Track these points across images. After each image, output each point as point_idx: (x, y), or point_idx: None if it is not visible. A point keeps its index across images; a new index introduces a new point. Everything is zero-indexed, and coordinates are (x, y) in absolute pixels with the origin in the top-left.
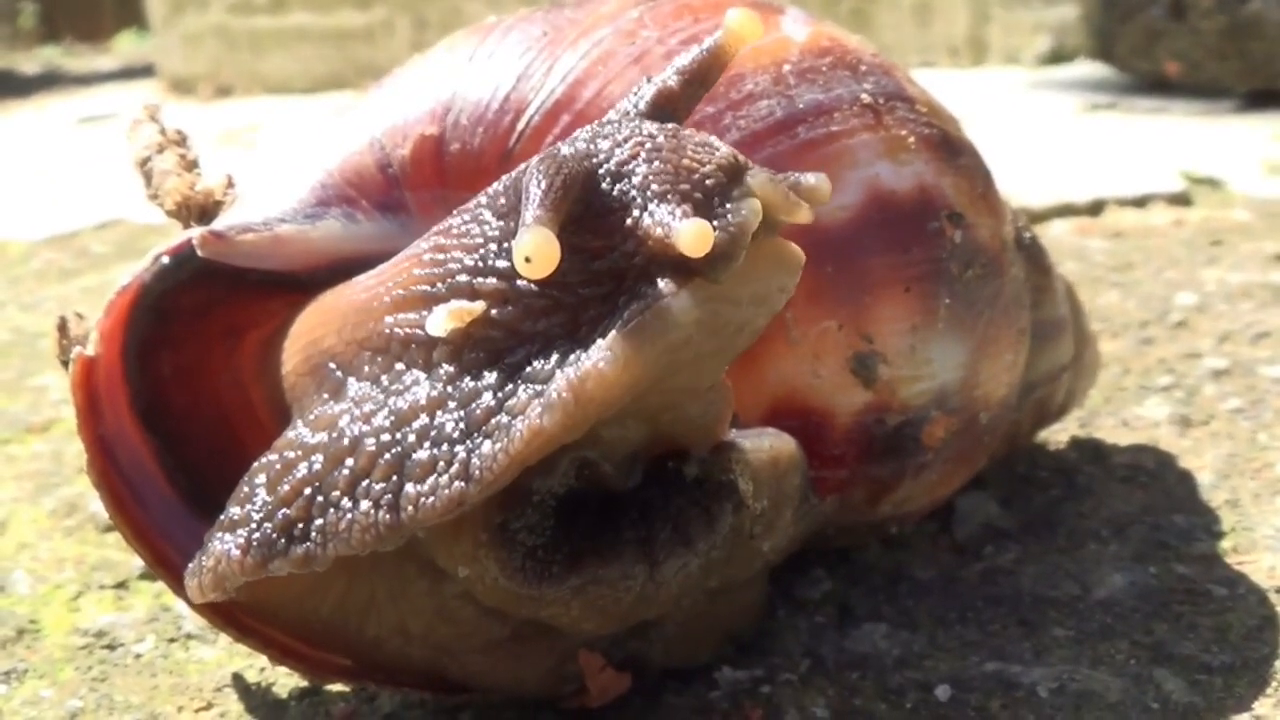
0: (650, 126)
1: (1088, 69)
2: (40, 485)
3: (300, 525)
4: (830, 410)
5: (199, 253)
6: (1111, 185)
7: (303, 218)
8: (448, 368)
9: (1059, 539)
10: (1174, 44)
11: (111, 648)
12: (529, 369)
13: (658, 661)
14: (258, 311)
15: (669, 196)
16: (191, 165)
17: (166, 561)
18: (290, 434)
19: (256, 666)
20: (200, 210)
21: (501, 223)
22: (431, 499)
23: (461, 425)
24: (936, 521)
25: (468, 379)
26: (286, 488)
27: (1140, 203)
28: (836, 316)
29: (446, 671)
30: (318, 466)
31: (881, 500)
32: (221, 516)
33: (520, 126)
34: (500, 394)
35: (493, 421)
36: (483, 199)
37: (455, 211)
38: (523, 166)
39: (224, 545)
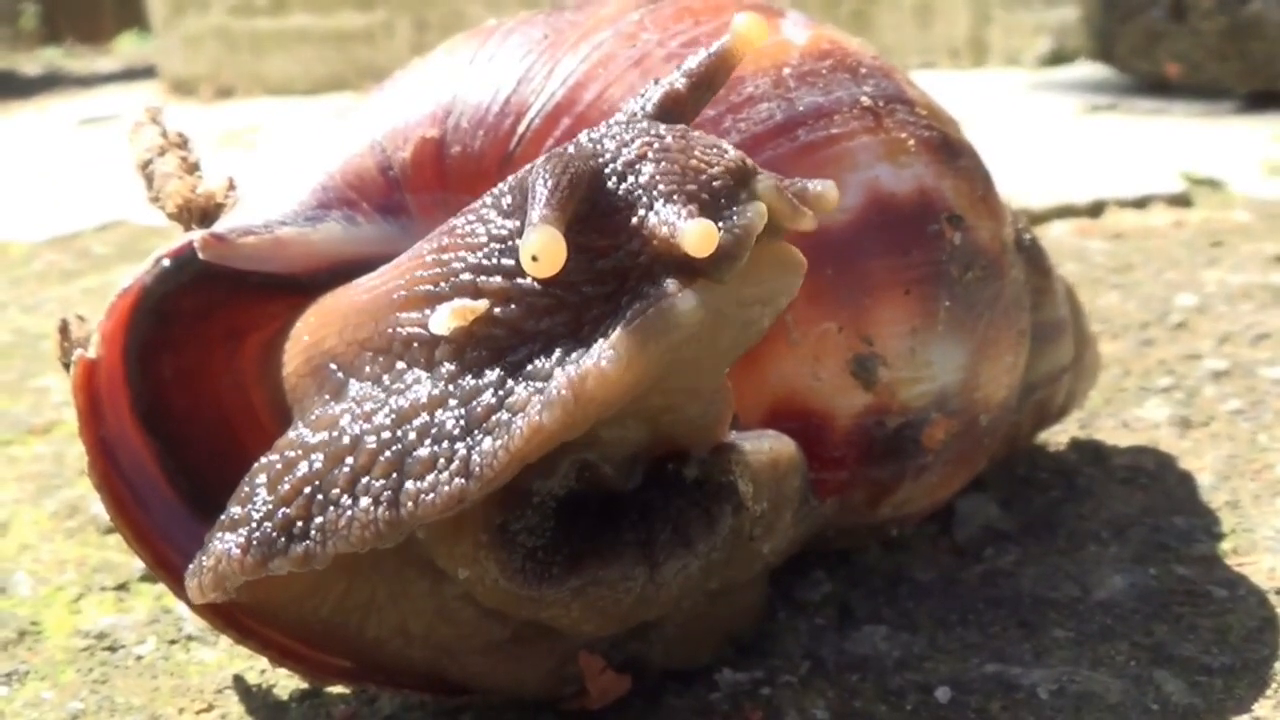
0: (658, 127)
1: (1088, 70)
2: (42, 487)
3: (300, 523)
4: (830, 412)
5: (200, 255)
6: (1112, 186)
7: (304, 220)
8: (449, 366)
9: (1059, 541)
10: (1174, 45)
11: (113, 649)
12: (530, 367)
13: (658, 663)
14: (259, 314)
15: (675, 196)
16: (193, 168)
17: (167, 563)
18: (291, 434)
19: (257, 668)
20: (201, 213)
21: (506, 221)
22: (431, 495)
23: (462, 423)
24: (937, 523)
25: (469, 377)
26: (287, 487)
27: (1140, 204)
28: (837, 319)
29: (447, 673)
30: (318, 465)
31: (881, 502)
32: (222, 516)
33: (521, 129)
34: (501, 391)
35: (493, 419)
36: (487, 199)
37: (460, 213)
38: (528, 166)
39: (224, 545)
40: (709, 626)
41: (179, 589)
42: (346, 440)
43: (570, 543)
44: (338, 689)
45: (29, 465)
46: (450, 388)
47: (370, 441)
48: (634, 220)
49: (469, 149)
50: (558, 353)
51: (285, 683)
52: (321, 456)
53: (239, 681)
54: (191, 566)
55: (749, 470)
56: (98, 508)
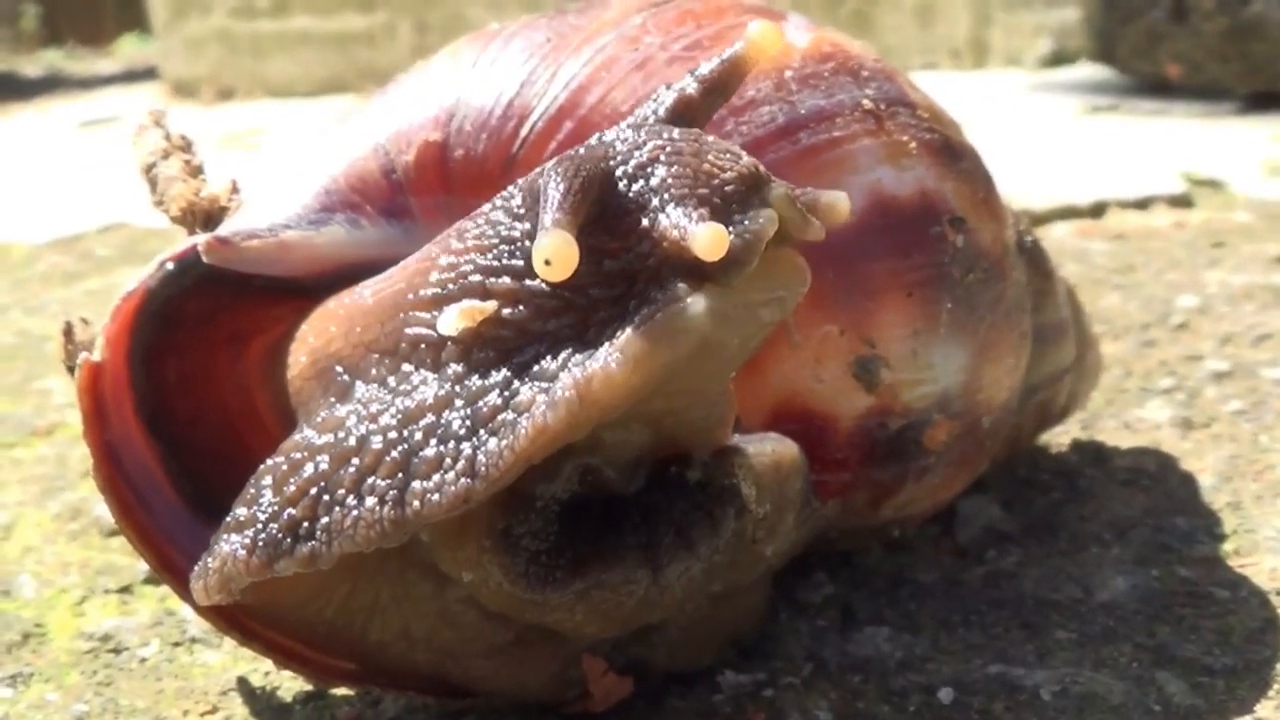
0: (671, 131)
1: (1089, 71)
2: (45, 489)
3: (306, 524)
4: (832, 414)
5: (204, 259)
6: (1113, 187)
7: (307, 224)
8: (456, 367)
9: (1061, 542)
10: (1175, 46)
11: (116, 652)
12: (537, 368)
13: (661, 666)
14: (262, 317)
15: (687, 200)
16: (196, 171)
17: (171, 566)
18: (296, 436)
19: (261, 670)
20: (205, 216)
21: (517, 223)
22: (437, 495)
23: (468, 423)
24: (939, 525)
25: (476, 378)
26: (292, 488)
27: (1142, 205)
28: (838, 321)
29: (450, 676)
30: (324, 466)
31: (883, 504)
32: (227, 518)
33: (524, 133)
34: (507, 392)
35: (499, 419)
36: (497, 201)
37: (468, 217)
38: (539, 169)
39: (230, 546)
40: (711, 629)
41: (183, 591)
42: (352, 441)
43: (573, 546)
44: (342, 691)
45: (32, 468)
46: (457, 388)
47: (376, 442)
48: (644, 222)
49: (472, 152)
50: (564, 354)
51: (289, 685)
52: (327, 458)
53: (243, 684)
54: (197, 568)
55: (752, 473)
56: (101, 510)
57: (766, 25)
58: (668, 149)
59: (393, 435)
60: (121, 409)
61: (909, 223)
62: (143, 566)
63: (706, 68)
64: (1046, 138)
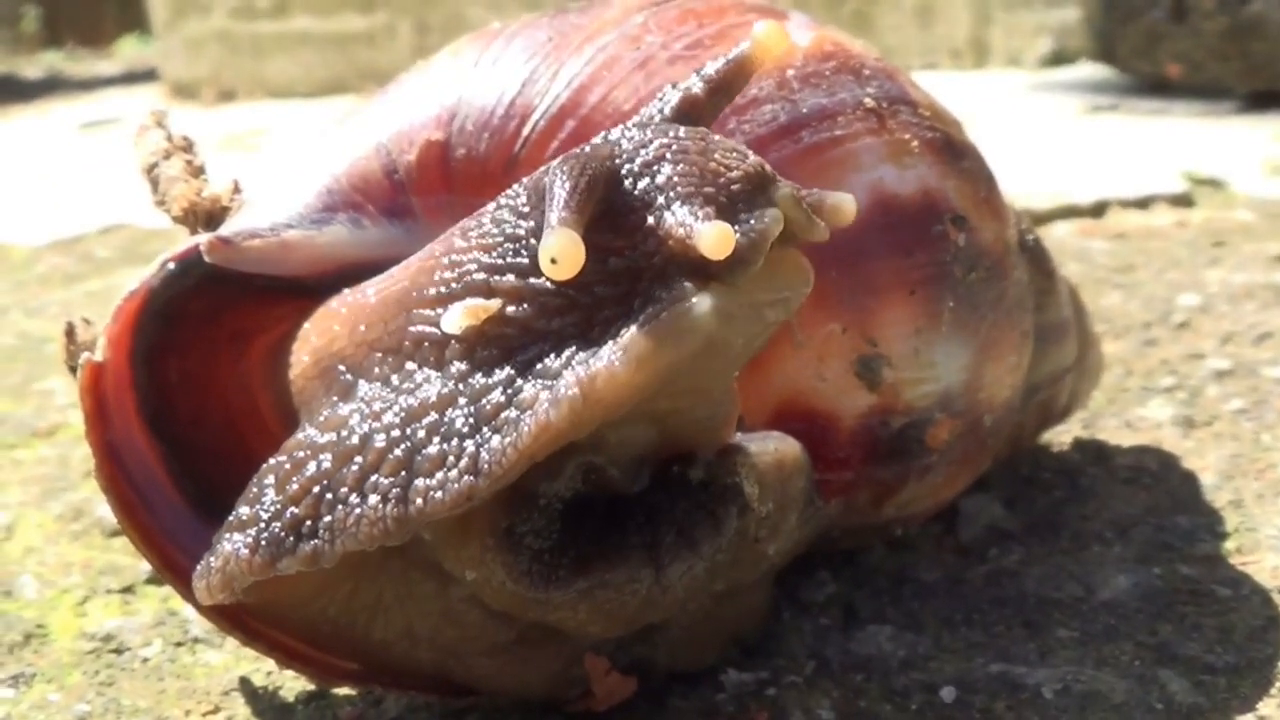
0: (677, 130)
1: (1089, 71)
2: (47, 490)
3: (309, 523)
4: (835, 413)
5: (206, 259)
6: (1114, 187)
7: (309, 223)
8: (460, 365)
9: (1063, 540)
10: (1175, 45)
11: (119, 652)
12: (540, 366)
13: (663, 665)
14: (264, 317)
15: (693, 198)
16: (198, 171)
17: (174, 566)
18: (299, 435)
19: (263, 670)
20: (207, 216)
21: (521, 221)
22: (440, 493)
23: (471, 420)
24: (941, 523)
25: (479, 375)
26: (295, 486)
27: (1143, 204)
28: (841, 320)
29: (453, 674)
30: (326, 465)
31: (886, 502)
32: (230, 517)
33: (525, 132)
34: (510, 390)
35: (502, 416)
36: (501, 200)
37: (471, 216)
38: (544, 168)
39: (233, 545)
40: (714, 628)
41: (186, 591)
42: (355, 439)
43: (576, 545)
44: (344, 690)
45: (34, 468)
46: (460, 386)
47: (379, 440)
48: (650, 220)
49: (474, 152)
50: (568, 352)
51: (292, 684)
52: (330, 456)
53: (245, 683)
54: (199, 568)
55: (754, 472)
56: (103, 510)
57: (772, 26)
58: (674, 147)
59: (396, 433)
60: (123, 409)
61: (911, 221)
62: (145, 566)
63: (712, 67)
64: (1047, 137)
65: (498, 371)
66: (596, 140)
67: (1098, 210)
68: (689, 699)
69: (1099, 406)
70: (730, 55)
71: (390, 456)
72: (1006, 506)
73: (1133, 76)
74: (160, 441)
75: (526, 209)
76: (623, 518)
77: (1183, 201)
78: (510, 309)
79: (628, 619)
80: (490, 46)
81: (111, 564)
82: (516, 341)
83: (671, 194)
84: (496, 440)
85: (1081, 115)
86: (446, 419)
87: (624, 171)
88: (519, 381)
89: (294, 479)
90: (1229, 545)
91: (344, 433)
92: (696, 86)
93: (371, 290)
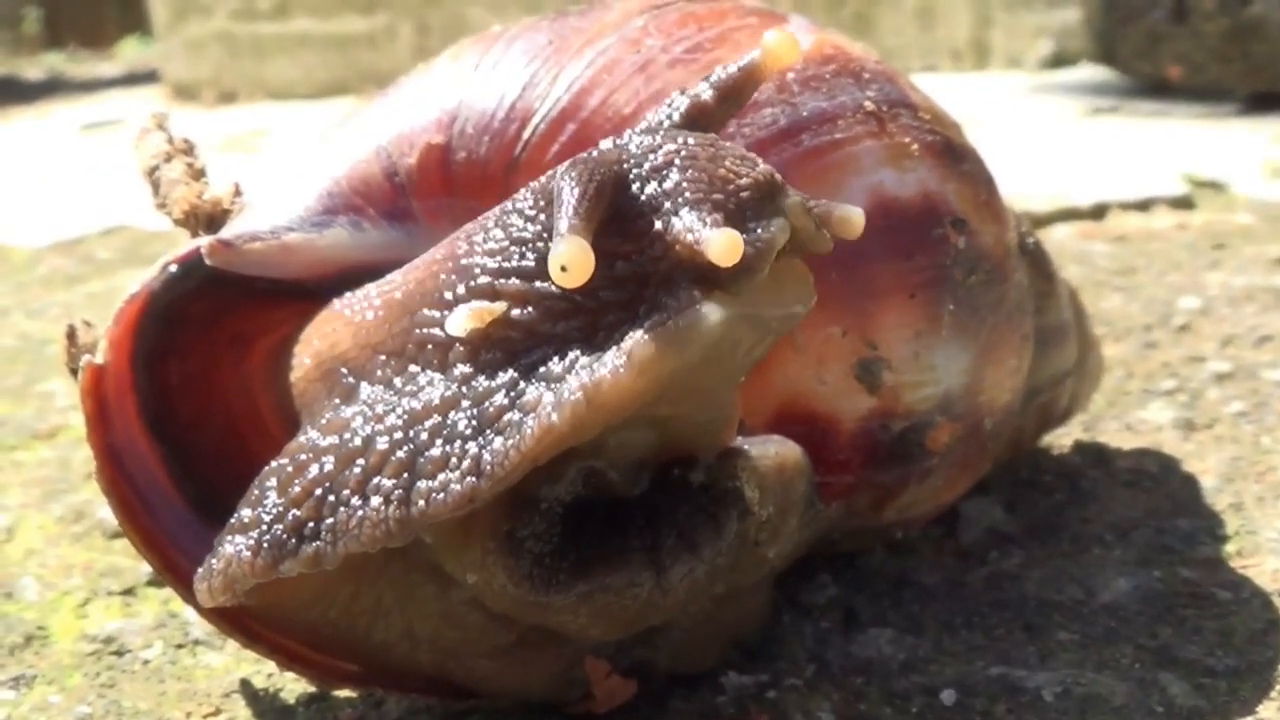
0: (686, 136)
1: (1090, 72)
2: (48, 492)
3: (311, 525)
4: (835, 416)
5: (207, 261)
6: (1114, 189)
7: (310, 226)
8: (463, 368)
9: (1063, 543)
10: (1176, 47)
11: (119, 654)
12: (544, 369)
13: (664, 667)
14: (265, 320)
15: (701, 204)
16: (199, 174)
17: (174, 568)
18: (301, 438)
19: (264, 672)
20: (208, 219)
21: (528, 225)
22: (443, 495)
23: (474, 423)
24: (941, 526)
25: (483, 378)
26: (297, 489)
27: (1143, 206)
28: (841, 323)
29: (453, 677)
30: (329, 467)
31: (886, 506)
32: (232, 519)
33: (526, 135)
34: (514, 392)
35: (505, 419)
36: (508, 204)
37: (475, 220)
38: (552, 172)
39: (234, 547)
40: (714, 631)
41: (187, 593)
42: (358, 442)
43: (577, 549)
44: (345, 693)
45: (35, 470)
46: (463, 389)
47: (382, 442)
48: (658, 225)
49: (474, 155)
50: (572, 357)
51: (292, 686)
52: (332, 458)
53: (246, 685)
54: (201, 570)
55: (755, 475)
56: (104, 512)
57: (783, 35)
58: (683, 153)
59: (398, 435)
60: (124, 411)
61: (911, 224)
62: (145, 569)
63: (722, 74)
64: (1047, 139)
65: (501, 374)
66: (605, 144)
67: (1098, 212)
68: (689, 701)
69: (1099, 409)
70: (741, 63)
71: (393, 458)
72: (1007, 509)
73: (1133, 78)
74: (161, 444)
75: (533, 212)
76: (623, 521)
77: (1183, 204)
78: (515, 312)
79: (628, 622)
80: (490, 50)
81: (112, 566)
82: (520, 345)
83: (680, 200)
84: (499, 442)
85: (1082, 117)
86: (449, 421)
87: (632, 176)
88: (522, 384)
89: (296, 481)
90: (1229, 548)
91: (346, 435)
92: (706, 93)
93: (374, 293)
